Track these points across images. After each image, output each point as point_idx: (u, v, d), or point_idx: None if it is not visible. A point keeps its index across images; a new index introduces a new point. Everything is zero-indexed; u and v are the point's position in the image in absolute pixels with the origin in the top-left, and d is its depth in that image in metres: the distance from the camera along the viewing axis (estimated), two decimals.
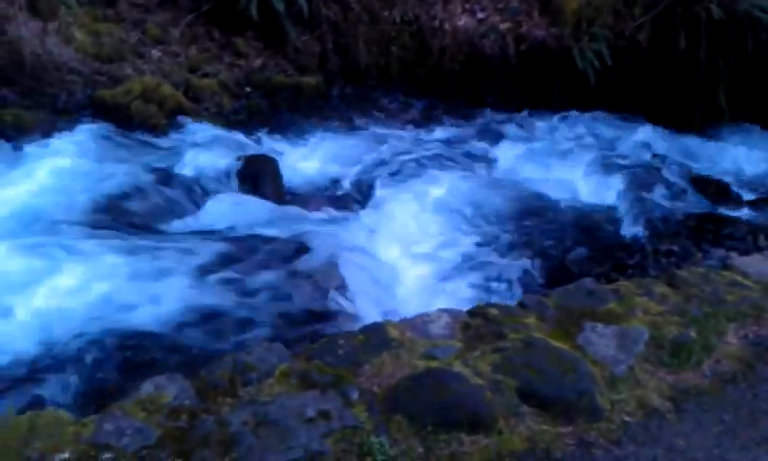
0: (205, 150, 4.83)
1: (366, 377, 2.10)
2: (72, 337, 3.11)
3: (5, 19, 4.94)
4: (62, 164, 4.24)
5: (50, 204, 3.95)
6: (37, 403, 2.81)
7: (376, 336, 2.26)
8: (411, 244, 4.18)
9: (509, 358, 2.18)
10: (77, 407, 2.57)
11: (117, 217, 3.91)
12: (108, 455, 1.76)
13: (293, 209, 4.48)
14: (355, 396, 2.03)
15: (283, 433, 1.87)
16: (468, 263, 4.01)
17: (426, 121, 5.97)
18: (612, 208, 4.68)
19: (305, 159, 5.15)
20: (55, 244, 3.65)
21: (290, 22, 5.93)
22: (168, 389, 1.97)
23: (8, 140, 4.46)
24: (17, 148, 4.40)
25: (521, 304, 2.50)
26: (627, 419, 2.10)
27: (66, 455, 1.74)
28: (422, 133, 5.69)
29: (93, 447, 1.78)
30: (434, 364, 2.15)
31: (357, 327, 3.28)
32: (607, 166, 5.17)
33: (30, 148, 4.42)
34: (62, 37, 5.39)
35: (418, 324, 2.34)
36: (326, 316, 3.46)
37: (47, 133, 4.56)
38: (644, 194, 4.82)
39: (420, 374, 2.09)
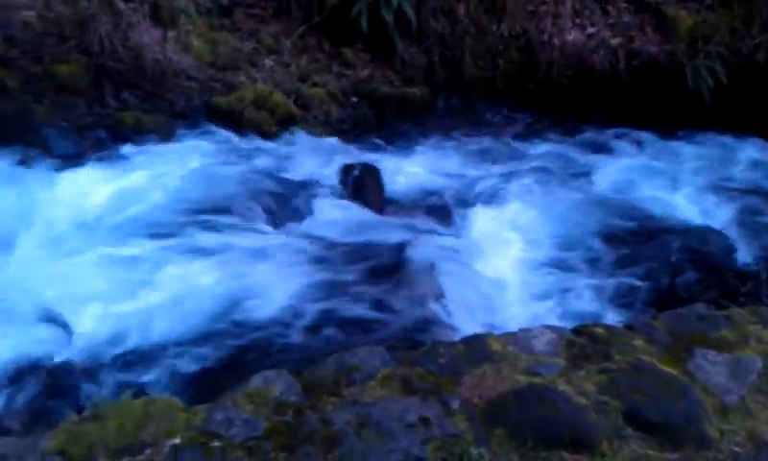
0: (312, 157, 4.96)
1: (466, 388, 2.11)
2: (182, 328, 3.27)
3: (129, 26, 5.22)
4: (178, 165, 4.44)
5: (165, 202, 4.14)
6: (149, 389, 2.97)
7: (478, 348, 2.26)
8: (510, 257, 4.15)
9: (615, 380, 2.13)
10: (186, 396, 2.69)
11: (228, 218, 4.05)
12: (216, 444, 1.83)
13: (394, 218, 4.53)
14: (456, 405, 2.03)
15: (384, 436, 1.89)
16: (569, 279, 3.95)
17: (531, 135, 5.91)
18: (722, 232, 4.49)
19: (408, 169, 5.19)
20: (169, 240, 3.84)
21: (398, 34, 6.01)
22: (276, 384, 2.03)
23: (128, 141, 4.70)
24: (137, 149, 4.63)
25: (629, 326, 2.45)
26: (736, 449, 2.02)
27: (178, 441, 1.82)
28: (526, 147, 5.63)
29: (203, 434, 1.86)
30: (537, 380, 2.14)
31: (453, 336, 3.29)
32: (718, 188, 4.97)
33: (148, 149, 4.65)
34: (181, 45, 5.64)
35: (520, 338, 2.33)
36: (424, 324, 3.48)
37: (164, 136, 4.79)
38: (758, 218, 4.61)
39: (523, 389, 2.07)
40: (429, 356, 2.21)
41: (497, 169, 5.17)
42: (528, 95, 6.23)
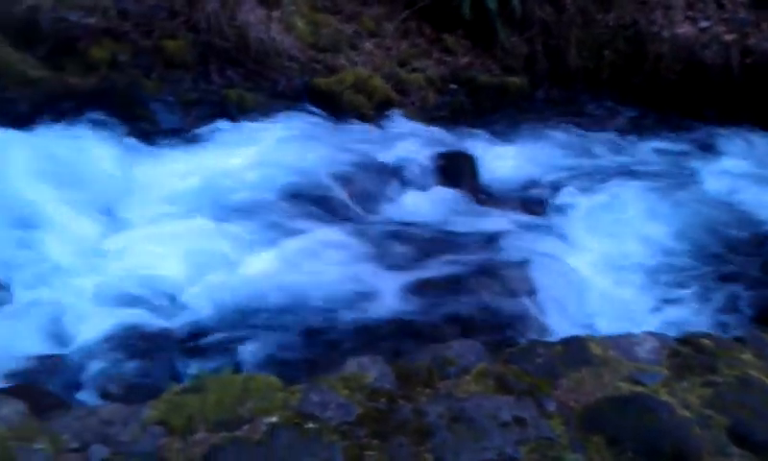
0: (408, 142, 4.94)
1: (563, 391, 2.06)
2: (276, 307, 3.32)
3: (236, 5, 5.32)
4: (277, 145, 4.51)
5: (263, 180, 4.21)
6: (243, 365, 3.03)
7: (576, 350, 2.20)
8: (606, 257, 4.02)
9: (721, 394, 2.04)
10: (277, 374, 2.74)
11: (323, 198, 4.09)
12: (311, 425, 1.85)
13: (488, 208, 4.46)
14: (552, 407, 1.99)
15: (478, 432, 1.87)
16: (670, 284, 3.79)
17: (634, 130, 5.70)
18: None
19: (504, 159, 5.11)
20: (265, 219, 3.91)
21: (501, 22, 5.91)
22: (370, 370, 2.04)
23: (230, 118, 4.81)
24: (238, 126, 4.73)
25: (738, 339, 2.33)
26: None
27: (275, 419, 1.85)
28: (629, 143, 5.44)
29: (299, 415, 1.88)
30: (638, 389, 2.06)
31: (545, 334, 3.22)
32: None
33: (249, 127, 4.74)
34: (284, 25, 5.71)
35: (622, 344, 2.25)
36: (514, 320, 3.41)
37: (265, 115, 4.87)
38: None
39: (624, 396, 2.01)
40: (526, 355, 2.17)
41: (598, 163, 5.03)
42: (634, 88, 6.03)
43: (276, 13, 5.67)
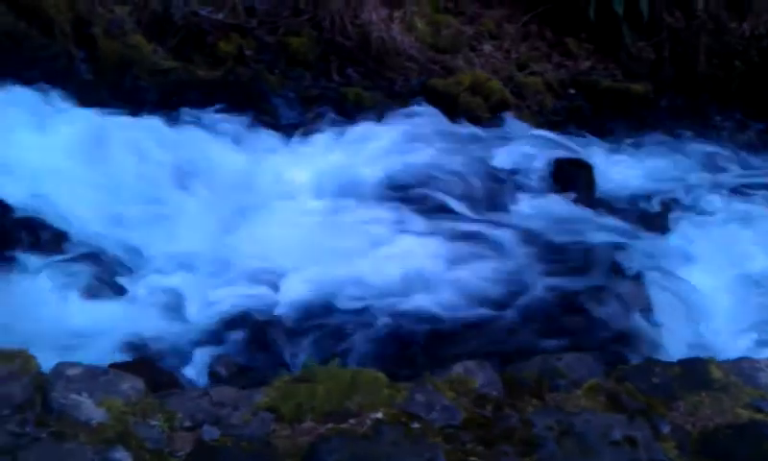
0: (523, 146, 4.86)
1: (679, 414, 1.97)
2: (381, 303, 3.35)
3: (359, 5, 5.39)
4: (392, 144, 4.53)
5: (377, 177, 4.25)
6: (346, 357, 3.07)
7: (696, 372, 2.11)
8: (728, 276, 3.82)
9: None
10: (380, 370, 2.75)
11: (435, 199, 4.09)
12: (416, 425, 1.85)
13: (603, 219, 4.33)
14: (666, 430, 1.91)
15: (587, 449, 1.82)
16: None
17: (764, 146, 5.40)
18: None
19: (622, 169, 4.95)
20: (377, 215, 3.95)
21: (627, 27, 5.72)
22: (477, 375, 2.02)
23: (347, 116, 4.88)
24: (354, 124, 4.79)
25: None
26: None
27: (380, 416, 1.86)
28: (758, 158, 5.16)
29: (404, 413, 1.89)
30: (759, 416, 1.95)
31: (658, 353, 3.09)
32: None
33: (365, 125, 4.79)
34: (405, 25, 5.74)
35: (744, 368, 2.13)
36: (627, 337, 3.31)
37: (381, 114, 4.90)
38: None
39: (745, 424, 1.90)
40: (641, 373, 2.09)
41: (723, 179, 4.79)
42: (765, 102, 5.69)
43: (397, 13, 5.71)
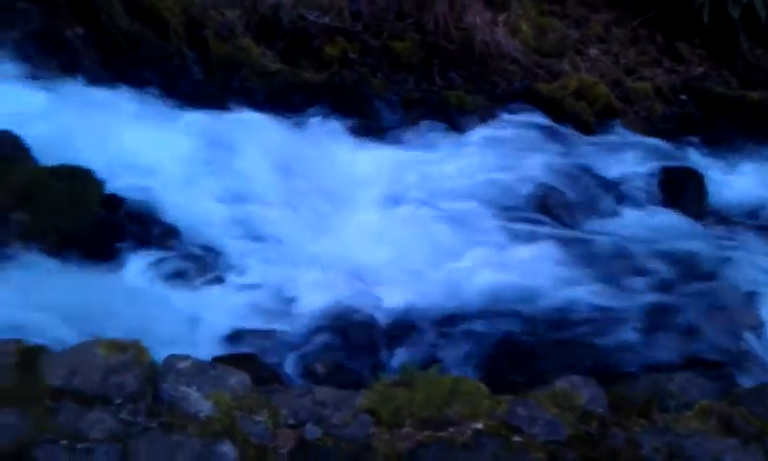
0: (629, 154, 4.72)
1: None
2: (479, 311, 3.31)
3: (464, 8, 5.36)
4: (494, 148, 4.49)
5: (477, 182, 4.21)
6: (444, 364, 3.05)
7: None
8: None
9: None
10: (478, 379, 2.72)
11: (537, 205, 4.02)
12: (517, 439, 1.82)
13: (714, 232, 4.16)
14: None
15: None
16: None
17: None
18: None
19: (736, 180, 4.74)
20: (475, 220, 3.92)
21: (744, 32, 5.46)
22: (582, 391, 1.96)
23: (449, 120, 4.86)
24: (456, 128, 4.77)
25: None
26: None
27: (481, 426, 1.84)
28: None
29: (505, 426, 1.86)
30: None
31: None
32: None
33: (467, 129, 4.76)
34: (509, 28, 5.67)
35: None
36: (737, 357, 3.16)
37: (483, 118, 4.86)
38: None
39: None
40: (758, 397, 1.99)
41: None
42: None
43: (502, 16, 5.64)
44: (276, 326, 3.25)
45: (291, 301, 3.40)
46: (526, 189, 4.11)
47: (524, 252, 3.58)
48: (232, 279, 3.50)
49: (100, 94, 4.25)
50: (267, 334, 3.21)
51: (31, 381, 1.77)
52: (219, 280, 3.47)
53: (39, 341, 2.73)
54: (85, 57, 4.44)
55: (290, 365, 3.07)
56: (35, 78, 4.25)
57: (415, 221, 3.90)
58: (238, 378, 1.88)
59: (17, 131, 3.59)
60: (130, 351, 1.89)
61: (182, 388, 1.80)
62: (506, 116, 4.87)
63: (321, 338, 3.20)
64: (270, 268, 3.59)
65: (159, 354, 2.85)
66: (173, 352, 2.99)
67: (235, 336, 3.17)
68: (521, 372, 2.81)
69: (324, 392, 1.95)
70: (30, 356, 1.84)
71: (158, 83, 4.44)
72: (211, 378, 1.86)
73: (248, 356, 2.97)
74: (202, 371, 1.88)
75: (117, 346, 1.90)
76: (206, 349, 3.01)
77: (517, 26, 5.72)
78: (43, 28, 4.50)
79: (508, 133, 4.66)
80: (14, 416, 1.67)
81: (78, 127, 3.89)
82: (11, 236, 3.20)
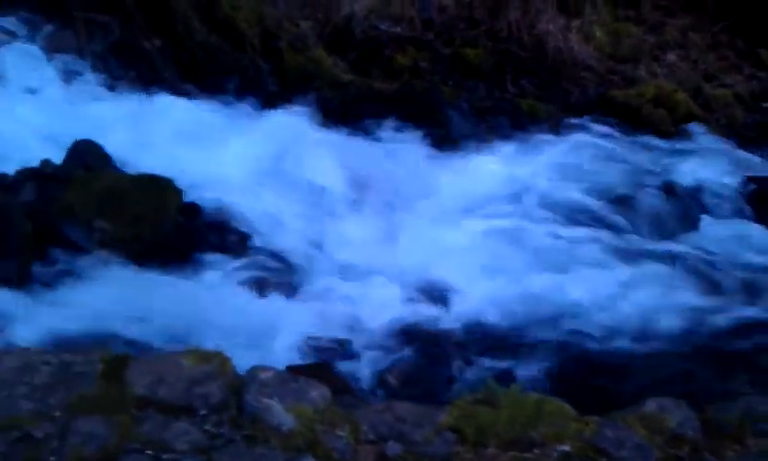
0: (710, 163, 4.58)
1: None
2: (554, 326, 3.23)
3: (537, 15, 5.29)
4: (568, 157, 4.40)
5: (551, 192, 4.13)
6: (519, 380, 2.98)
7: None
8: None
9: None
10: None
11: (614, 217, 3.93)
12: None
13: None
14: None
15: None
16: None
17: None
18: None
19: None
20: (550, 231, 3.84)
21: None
22: (672, 413, 1.89)
23: (521, 128, 4.79)
24: (529, 136, 4.70)
25: None
26: None
27: (568, 448, 1.78)
28: None
29: (593, 448, 1.79)
30: None
31: None
32: None
33: (539, 137, 4.68)
34: (583, 35, 5.57)
35: None
36: None
37: (557, 126, 4.78)
38: None
39: None
40: None
41: None
42: None
43: (575, 23, 5.55)
44: (349, 335, 3.25)
45: (363, 311, 3.39)
46: (603, 200, 4.01)
47: (602, 264, 3.49)
48: (306, 287, 3.52)
49: (177, 104, 4.35)
50: (340, 344, 3.21)
51: (116, 390, 1.80)
52: (293, 289, 3.49)
53: (121, 345, 2.82)
54: (163, 68, 4.55)
55: (363, 375, 3.06)
56: (115, 88, 4.39)
57: (489, 232, 3.85)
58: (319, 392, 1.87)
59: (99, 140, 3.70)
60: (213, 361, 1.90)
61: (265, 400, 1.80)
62: (580, 124, 4.77)
63: (393, 349, 3.18)
64: (342, 278, 3.59)
65: (236, 361, 2.90)
66: (248, 360, 3.04)
67: (309, 345, 3.17)
68: (605, 391, 2.72)
69: (404, 407, 1.92)
70: (115, 365, 1.87)
71: (234, 93, 4.52)
72: (293, 391, 1.86)
73: (322, 366, 2.97)
74: (284, 382, 1.88)
75: (201, 356, 1.92)
76: (281, 357, 3.03)
77: (591, 32, 5.62)
78: (123, 40, 4.64)
79: (582, 140, 4.57)
80: (101, 424, 1.70)
81: (156, 136, 3.98)
82: (93, 243, 3.29)
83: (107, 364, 1.88)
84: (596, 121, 4.88)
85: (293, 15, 4.82)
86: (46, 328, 2.79)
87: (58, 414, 1.72)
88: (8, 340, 2.70)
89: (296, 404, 1.82)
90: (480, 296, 3.43)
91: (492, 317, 3.32)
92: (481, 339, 3.25)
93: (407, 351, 3.16)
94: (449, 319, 3.35)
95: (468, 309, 3.38)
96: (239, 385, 1.86)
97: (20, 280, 3.03)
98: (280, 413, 1.78)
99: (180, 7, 4.58)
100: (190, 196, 3.66)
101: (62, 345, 2.72)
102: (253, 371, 1.91)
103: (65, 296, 3.00)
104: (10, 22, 4.51)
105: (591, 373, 2.89)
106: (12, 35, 4.45)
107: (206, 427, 1.76)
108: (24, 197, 3.32)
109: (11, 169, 3.49)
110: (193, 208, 3.64)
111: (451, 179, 4.26)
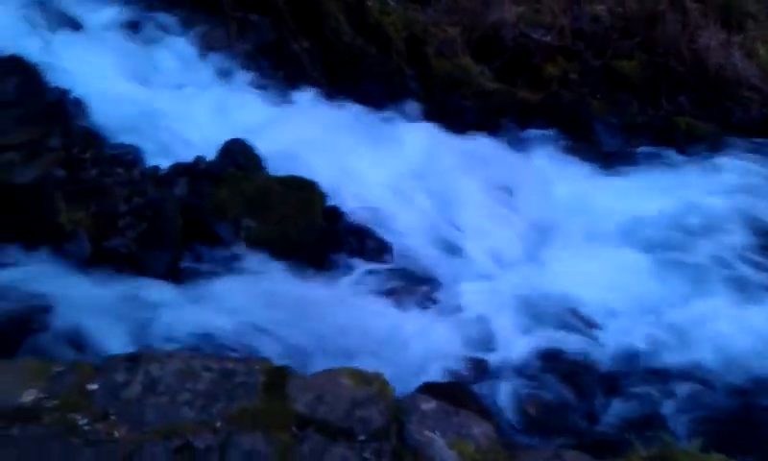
0: None
1: None
2: (700, 362, 3.01)
3: (696, 28, 4.98)
4: (731, 181, 4.10)
5: (710, 218, 3.85)
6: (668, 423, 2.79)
7: None
8: None
9: None
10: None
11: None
12: None
13: None
14: None
15: None
16: None
17: None
18: None
19: None
20: (706, 262, 3.58)
21: None
22: None
23: (676, 147, 4.50)
24: (685, 156, 4.41)
25: None
26: None
27: None
28: None
29: None
30: None
31: None
32: None
33: (696, 158, 4.38)
34: (745, 51, 5.20)
35: None
36: None
37: (716, 147, 4.46)
38: None
39: None
40: None
41: None
42: None
43: (737, 38, 5.18)
44: (486, 356, 3.14)
45: (503, 331, 3.27)
46: (760, 233, 3.70)
47: (751, 298, 3.21)
48: (443, 301, 3.43)
49: (323, 107, 4.35)
50: (477, 364, 3.10)
51: (278, 405, 1.76)
52: (430, 301, 3.42)
53: (262, 345, 2.82)
54: (311, 69, 4.57)
55: (500, 400, 2.94)
56: (263, 88, 4.44)
57: (638, 258, 3.62)
58: (482, 429, 1.77)
59: (249, 140, 3.74)
60: (374, 384, 1.83)
61: (427, 432, 1.71)
62: (743, 146, 4.43)
63: (533, 376, 3.04)
64: (481, 294, 3.48)
65: (367, 369, 2.83)
66: (382, 370, 2.98)
67: (444, 361, 3.08)
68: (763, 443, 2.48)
69: (572, 456, 1.78)
70: (276, 378, 1.83)
71: (378, 98, 4.48)
72: (455, 425, 1.76)
73: (458, 386, 2.87)
74: (446, 415, 1.79)
75: (362, 377, 1.86)
76: (414, 370, 2.96)
77: (754, 49, 5.23)
78: (273, 40, 4.69)
79: (747, 165, 4.24)
80: (262, 440, 1.66)
81: (302, 138, 3.99)
82: (239, 241, 3.32)
83: (268, 376, 1.84)
84: (759, 142, 4.53)
85: (440, 21, 4.73)
86: (193, 323, 2.83)
87: (219, 425, 1.70)
88: (157, 333, 2.76)
89: (458, 440, 1.73)
90: (631, 327, 3.23)
91: (638, 351, 3.14)
92: (626, 374, 3.07)
93: (548, 380, 3.03)
94: (594, 350, 3.18)
95: (616, 340, 3.20)
96: (400, 413, 1.78)
97: (171, 274, 3.08)
98: (443, 449, 1.69)
99: (330, 9, 4.58)
100: (332, 199, 3.65)
101: (208, 342, 2.77)
102: (414, 399, 1.83)
103: (211, 291, 3.04)
104: (165, 19, 4.65)
105: (746, 421, 2.65)
106: (168, 31, 4.58)
107: (365, 455, 1.70)
108: (177, 191, 3.39)
109: (164, 164, 3.58)
110: (335, 212, 3.63)
111: (597, 197, 4.05)
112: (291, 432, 1.71)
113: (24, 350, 2.39)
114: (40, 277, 2.71)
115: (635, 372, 3.09)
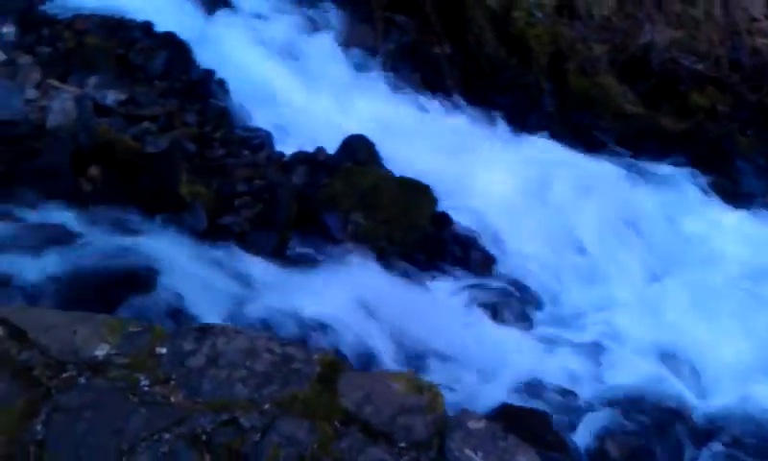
0: None
1: None
2: None
3: None
4: None
5: None
6: None
7: None
8: None
9: None
10: None
11: None
12: None
13: None
14: None
15: None
16: None
17: None
18: None
19: None
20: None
21: None
22: None
23: None
24: None
25: None
26: None
27: None
28: None
29: None
30: None
31: None
32: None
33: None
34: None
35: None
36: None
37: None
38: None
39: None
40: None
41: None
42: None
43: None
44: (574, 386, 3.05)
45: (595, 364, 3.17)
46: None
47: None
48: (540, 324, 3.37)
49: (453, 113, 4.36)
50: (563, 393, 3.02)
51: (327, 397, 1.79)
52: (527, 322, 3.36)
53: (343, 341, 2.87)
54: (448, 75, 4.58)
55: (580, 434, 2.85)
56: (398, 88, 4.50)
57: (760, 305, 3.38)
58: (527, 458, 1.72)
59: (372, 137, 3.81)
60: (425, 393, 1.82)
61: (468, 452, 1.69)
62: None
63: (620, 414, 2.91)
64: (580, 323, 3.38)
65: (451, 380, 2.80)
66: (465, 382, 2.93)
67: (531, 385, 3.02)
68: None
69: None
70: (330, 371, 1.86)
71: (510, 109, 4.42)
72: (500, 449, 1.72)
73: (539, 414, 2.81)
74: (492, 438, 1.74)
75: (414, 384, 1.85)
76: (497, 388, 2.93)
77: None
78: (414, 42, 4.74)
79: None
80: (303, 429, 1.69)
81: (427, 142, 4.02)
82: (346, 235, 3.40)
83: (323, 367, 1.88)
84: None
85: (589, 38, 4.58)
86: (287, 306, 2.92)
87: (267, 407, 1.75)
88: (251, 311, 2.87)
89: None
90: (732, 379, 3.04)
91: (741, 406, 2.96)
92: (720, 428, 2.90)
93: (635, 421, 2.90)
94: (688, 397, 3.02)
95: (712, 391, 3.03)
96: (444, 427, 1.77)
97: (276, 254, 3.20)
98: None
99: (475, 16, 4.56)
100: (442, 205, 3.64)
101: (295, 326, 2.85)
102: (462, 416, 1.80)
103: (310, 279, 3.13)
104: (315, 12, 4.81)
105: None
106: (315, 23, 4.74)
107: None
108: (295, 179, 3.52)
109: (288, 150, 3.72)
110: (444, 218, 3.63)
111: (729, 238, 3.80)
112: (334, 426, 1.74)
113: (124, 307, 2.57)
114: (154, 243, 2.89)
115: (730, 425, 2.92)
